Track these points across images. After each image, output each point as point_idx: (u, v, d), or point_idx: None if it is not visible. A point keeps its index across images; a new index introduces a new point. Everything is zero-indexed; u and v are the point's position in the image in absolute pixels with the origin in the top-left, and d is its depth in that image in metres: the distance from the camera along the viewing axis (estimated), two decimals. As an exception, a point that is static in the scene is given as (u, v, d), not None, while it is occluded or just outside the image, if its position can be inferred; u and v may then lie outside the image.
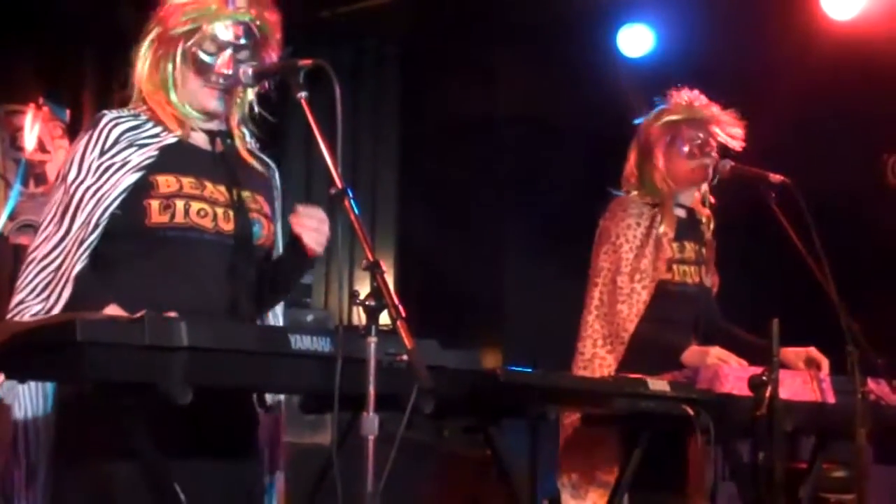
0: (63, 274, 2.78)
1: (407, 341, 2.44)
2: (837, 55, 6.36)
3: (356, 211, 2.61)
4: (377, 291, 2.48)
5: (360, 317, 2.54)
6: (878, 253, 6.42)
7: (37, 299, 2.78)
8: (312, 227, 2.86)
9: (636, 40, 7.38)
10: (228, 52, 2.92)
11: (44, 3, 6.55)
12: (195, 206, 2.86)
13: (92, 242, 2.81)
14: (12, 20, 6.47)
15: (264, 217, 2.97)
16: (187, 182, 2.88)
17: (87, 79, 6.70)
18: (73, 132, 6.54)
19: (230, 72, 2.92)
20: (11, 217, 6.41)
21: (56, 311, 2.75)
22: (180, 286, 2.82)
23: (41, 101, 6.63)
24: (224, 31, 2.91)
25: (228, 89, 2.95)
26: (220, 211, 2.89)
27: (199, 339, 2.46)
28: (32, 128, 6.59)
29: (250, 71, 2.89)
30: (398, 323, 2.45)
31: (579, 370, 3.99)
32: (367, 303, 2.49)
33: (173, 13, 2.92)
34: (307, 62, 2.75)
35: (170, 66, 2.92)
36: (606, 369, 3.93)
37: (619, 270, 4.03)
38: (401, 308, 2.46)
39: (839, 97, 6.40)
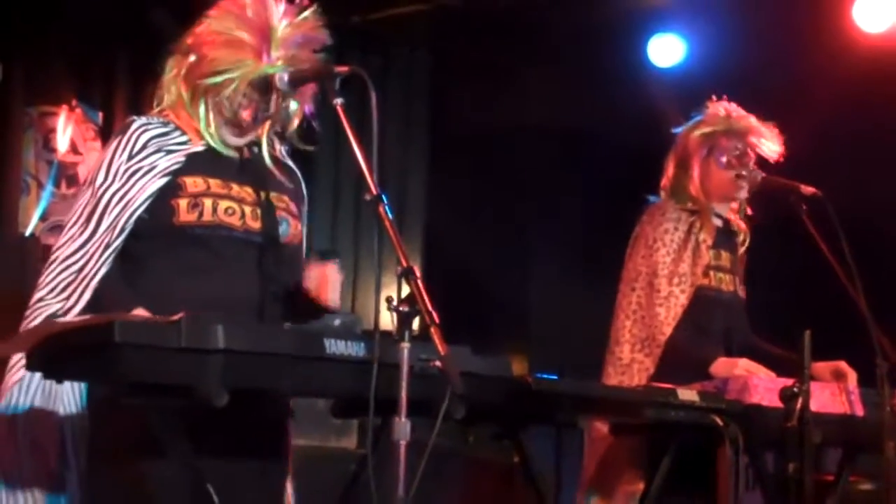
0: (86, 276, 2.80)
1: (440, 347, 2.46)
2: (869, 67, 6.35)
3: (390, 217, 2.63)
4: (412, 297, 2.50)
5: (393, 322, 2.56)
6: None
7: (56, 298, 2.80)
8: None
9: (667, 50, 7.38)
10: (255, 103, 2.94)
11: (77, 5, 6.59)
12: (223, 204, 2.88)
13: (118, 247, 2.83)
14: (46, 22, 6.51)
15: (291, 216, 3.00)
16: (214, 182, 2.91)
17: (120, 81, 6.74)
18: (105, 134, 6.58)
19: (251, 120, 2.95)
20: (43, 218, 6.45)
21: (75, 311, 2.77)
22: (207, 284, 2.84)
23: (74, 103, 6.68)
24: (252, 89, 2.92)
25: (253, 126, 2.98)
26: (247, 209, 2.92)
27: (235, 342, 2.48)
28: (65, 129, 6.63)
29: (286, 76, 2.89)
30: (432, 329, 2.47)
31: (618, 375, 3.98)
32: (400, 308, 2.51)
33: (207, 52, 2.91)
34: (344, 69, 2.76)
35: (202, 108, 2.93)
36: (644, 373, 3.93)
37: (657, 273, 4.03)
38: (435, 314, 2.48)
39: (870, 109, 6.39)
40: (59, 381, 2.73)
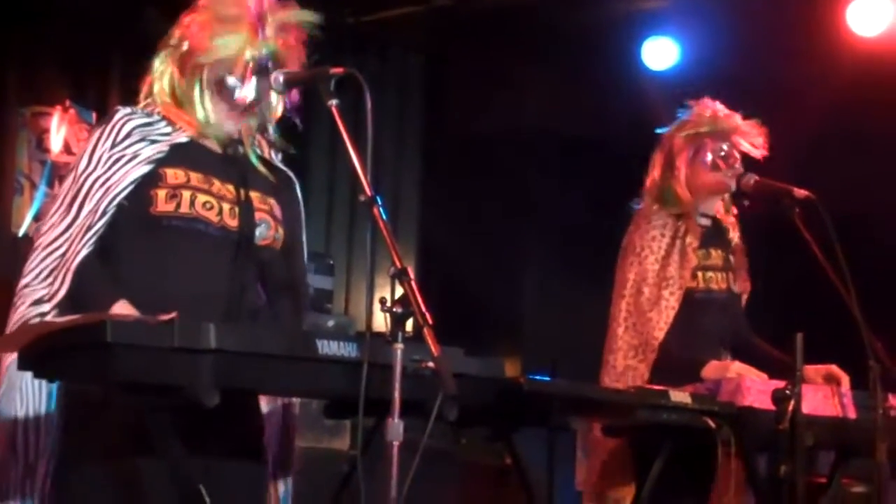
0: (68, 259, 2.80)
1: (433, 348, 2.47)
2: (863, 71, 6.37)
3: (384, 219, 2.63)
4: (405, 298, 2.50)
5: (386, 323, 2.56)
6: (899, 269, 6.41)
7: (42, 283, 2.80)
8: None
9: (661, 53, 7.39)
10: (254, 80, 2.94)
11: (70, 6, 6.59)
12: (201, 198, 2.88)
13: (98, 229, 2.82)
14: (39, 23, 6.51)
15: (272, 218, 2.98)
16: (195, 176, 2.90)
17: (113, 81, 6.74)
18: (98, 135, 6.56)
19: (253, 98, 2.95)
20: (36, 218, 6.44)
21: (60, 294, 2.77)
22: (182, 276, 2.83)
23: (67, 103, 6.67)
24: (251, 61, 2.93)
25: (248, 110, 2.98)
26: (226, 206, 2.91)
27: (226, 342, 2.48)
28: (59, 130, 6.63)
29: (281, 78, 2.89)
30: (425, 330, 2.47)
31: (611, 383, 3.99)
32: (394, 309, 2.51)
33: (200, 33, 2.93)
34: (338, 70, 2.77)
35: (196, 89, 2.94)
36: (640, 380, 3.93)
37: (646, 279, 4.04)
38: (428, 315, 2.48)
39: (863, 112, 6.41)
40: (51, 380, 2.74)
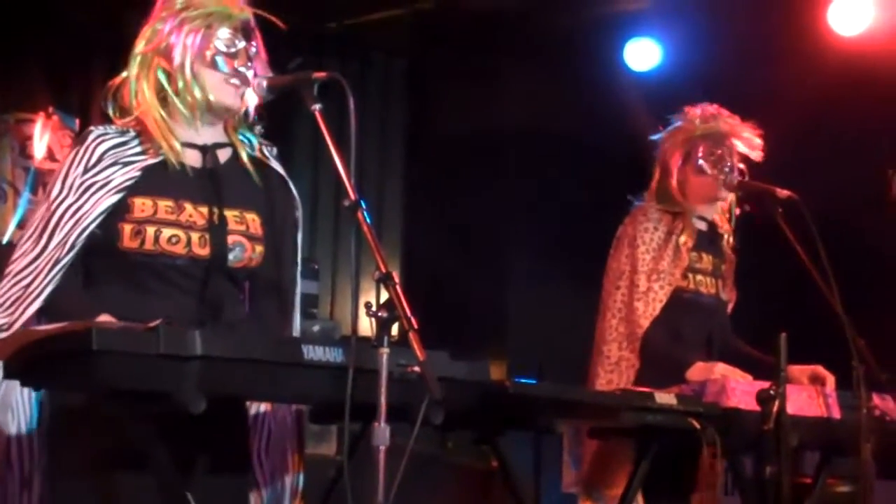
0: (32, 293, 2.79)
1: (419, 352, 2.47)
2: (843, 71, 6.39)
3: (369, 223, 2.63)
4: (390, 303, 2.50)
5: (371, 327, 2.56)
6: (882, 268, 6.43)
7: (3, 312, 2.80)
8: None
9: (643, 54, 7.41)
10: (242, 45, 2.91)
11: (53, 12, 6.58)
12: (166, 232, 2.84)
13: (67, 263, 2.81)
14: (22, 30, 6.50)
15: (248, 239, 2.94)
16: (163, 206, 2.86)
17: (97, 88, 6.71)
18: (81, 141, 6.56)
19: (248, 65, 2.90)
20: (20, 225, 6.43)
21: (17, 325, 2.76)
22: (154, 305, 2.81)
23: (51, 110, 6.66)
24: (235, 30, 2.91)
25: (243, 86, 2.91)
26: (195, 236, 2.87)
27: (212, 349, 2.48)
28: (42, 136, 6.61)
29: (265, 83, 2.88)
30: (410, 334, 2.47)
31: (606, 374, 4.00)
32: (379, 314, 2.52)
33: (175, 29, 2.89)
34: (321, 75, 2.76)
35: (188, 69, 2.87)
36: (632, 370, 3.95)
37: (637, 270, 4.05)
38: (413, 320, 2.48)
39: (845, 112, 6.42)
40: (37, 388, 2.74)
